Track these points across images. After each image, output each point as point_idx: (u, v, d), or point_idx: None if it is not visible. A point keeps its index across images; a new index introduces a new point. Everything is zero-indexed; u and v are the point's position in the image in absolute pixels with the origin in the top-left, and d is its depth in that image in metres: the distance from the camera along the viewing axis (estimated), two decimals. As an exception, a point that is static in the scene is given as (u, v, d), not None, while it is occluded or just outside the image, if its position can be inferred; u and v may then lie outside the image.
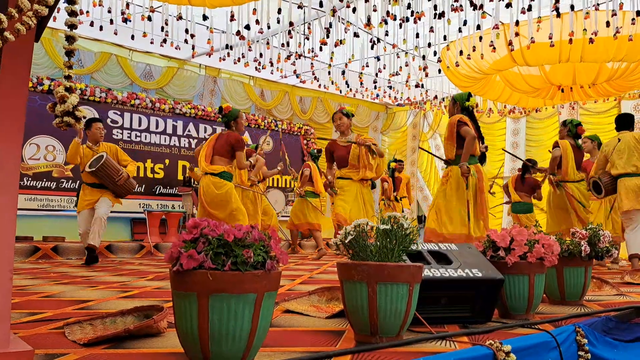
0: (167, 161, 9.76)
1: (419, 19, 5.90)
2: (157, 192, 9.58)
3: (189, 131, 10.11)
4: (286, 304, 2.75)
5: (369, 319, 1.89)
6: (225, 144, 5.51)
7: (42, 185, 8.25)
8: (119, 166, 5.81)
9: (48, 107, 1.73)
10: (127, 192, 5.90)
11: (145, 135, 9.50)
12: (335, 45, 6.95)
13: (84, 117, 1.65)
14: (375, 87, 9.88)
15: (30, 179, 8.13)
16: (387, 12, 5.95)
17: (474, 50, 6.68)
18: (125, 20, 6.53)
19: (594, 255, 2.94)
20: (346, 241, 2.02)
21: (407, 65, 8.35)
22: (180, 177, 9.86)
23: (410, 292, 1.91)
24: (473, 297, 2.36)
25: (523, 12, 5.56)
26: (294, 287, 3.81)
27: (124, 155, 6.12)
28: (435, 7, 5.75)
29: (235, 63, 8.16)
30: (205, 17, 6.42)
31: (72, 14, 1.68)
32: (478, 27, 5.98)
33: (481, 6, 5.59)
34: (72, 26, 1.66)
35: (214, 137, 5.69)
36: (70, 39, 1.68)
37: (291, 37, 7.51)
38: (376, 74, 8.62)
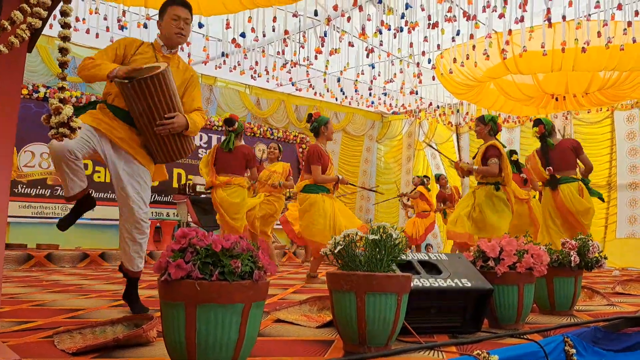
0: (162, 169, 9.74)
1: (413, 29, 5.95)
2: (151, 200, 9.53)
3: (184, 139, 10.11)
4: (277, 313, 2.76)
5: (357, 328, 1.90)
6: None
7: (37, 192, 8.24)
8: (179, 99, 2.85)
9: (43, 118, 1.75)
10: (174, 154, 2.95)
11: (141, 143, 9.50)
12: (330, 54, 7.00)
13: (79, 128, 1.66)
14: (370, 95, 9.93)
15: (24, 186, 8.11)
16: (382, 22, 6.00)
17: (467, 58, 6.73)
18: (121, 28, 6.55)
19: (583, 265, 2.96)
20: (335, 251, 2.03)
21: (401, 72, 8.40)
22: (175, 184, 9.86)
23: (399, 302, 1.92)
24: (462, 307, 2.38)
25: (516, 22, 5.61)
26: (287, 296, 3.82)
27: (197, 92, 3.11)
28: (429, 17, 5.80)
29: (230, 71, 8.18)
30: (200, 25, 6.45)
31: (65, 26, 1.70)
32: (471, 37, 6.04)
33: (474, 17, 5.64)
34: (65, 38, 1.69)
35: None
36: (63, 50, 1.70)
37: (286, 46, 7.55)
38: (371, 81, 8.67)
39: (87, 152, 2.71)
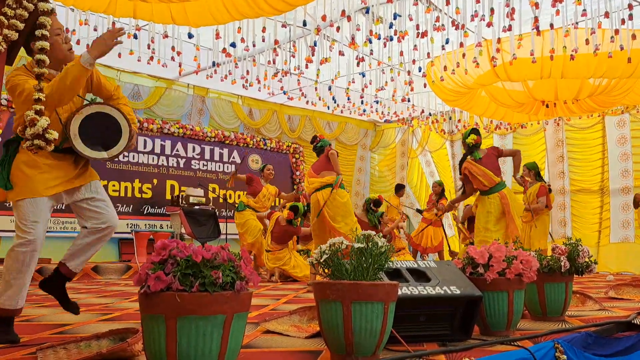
0: (155, 181, 9.72)
1: (403, 38, 5.96)
2: (144, 212, 9.52)
3: (177, 151, 10.10)
4: (266, 324, 2.73)
5: (344, 338, 1.88)
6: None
7: (28, 206, 8.18)
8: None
9: (18, 130, 1.73)
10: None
11: (133, 155, 9.47)
12: (321, 63, 7.01)
13: (54, 139, 1.65)
14: (362, 103, 9.94)
15: (15, 200, 8.06)
16: (371, 31, 6.02)
17: (457, 66, 6.75)
18: (111, 39, 6.53)
19: (573, 270, 2.95)
20: (321, 260, 2.01)
21: (392, 80, 8.42)
22: (168, 196, 9.81)
23: (386, 310, 1.90)
24: (452, 314, 2.36)
25: (504, 31, 5.64)
26: (278, 306, 3.79)
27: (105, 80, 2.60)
28: (417, 26, 5.82)
29: (222, 80, 8.18)
30: (190, 36, 6.45)
31: (42, 37, 1.69)
32: (461, 45, 6.06)
33: (462, 25, 5.66)
34: (42, 50, 1.67)
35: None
36: (40, 62, 1.69)
37: (277, 55, 7.56)
38: (362, 89, 8.69)
39: None
